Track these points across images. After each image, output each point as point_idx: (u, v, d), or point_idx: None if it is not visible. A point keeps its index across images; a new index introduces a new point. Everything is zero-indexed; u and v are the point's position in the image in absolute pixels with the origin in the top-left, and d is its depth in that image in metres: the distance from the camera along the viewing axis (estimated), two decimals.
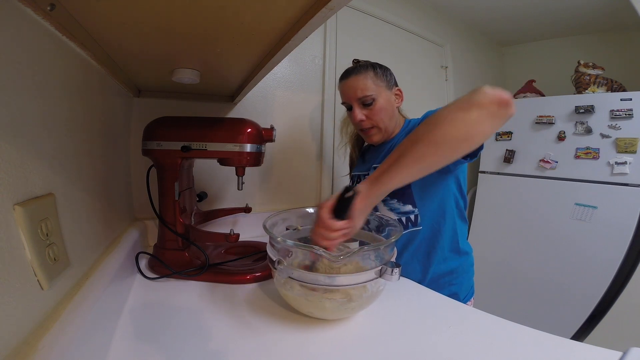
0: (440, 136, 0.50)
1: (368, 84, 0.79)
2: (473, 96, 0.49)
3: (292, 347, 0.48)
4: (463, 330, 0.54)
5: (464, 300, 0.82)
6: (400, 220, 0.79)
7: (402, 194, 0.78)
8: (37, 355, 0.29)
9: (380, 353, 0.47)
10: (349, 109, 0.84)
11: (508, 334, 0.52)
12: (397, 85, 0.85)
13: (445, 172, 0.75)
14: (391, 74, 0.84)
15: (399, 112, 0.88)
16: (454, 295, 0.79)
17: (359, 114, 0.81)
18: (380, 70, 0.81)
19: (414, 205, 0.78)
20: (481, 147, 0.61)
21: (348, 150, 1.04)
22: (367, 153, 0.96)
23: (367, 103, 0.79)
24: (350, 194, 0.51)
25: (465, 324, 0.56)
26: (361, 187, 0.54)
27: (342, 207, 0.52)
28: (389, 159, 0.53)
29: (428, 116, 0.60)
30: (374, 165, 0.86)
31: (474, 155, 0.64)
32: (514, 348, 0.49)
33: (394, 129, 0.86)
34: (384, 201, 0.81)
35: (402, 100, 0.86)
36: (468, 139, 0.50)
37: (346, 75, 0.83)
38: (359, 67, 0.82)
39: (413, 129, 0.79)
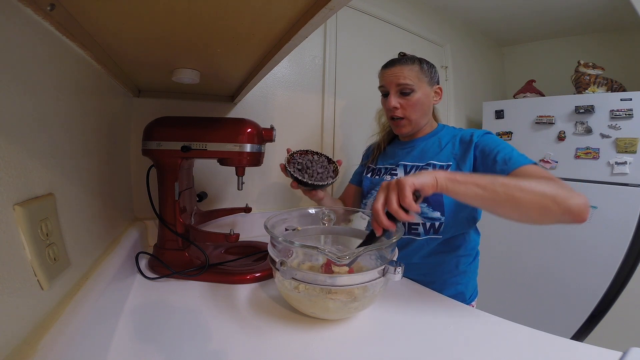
0: (524, 204, 0.54)
1: (411, 75, 0.80)
2: (573, 198, 0.54)
3: (294, 346, 0.48)
4: (463, 330, 0.54)
5: (469, 300, 0.83)
6: (423, 224, 0.78)
7: (435, 201, 0.77)
8: (37, 355, 0.29)
9: (381, 352, 0.47)
10: (385, 95, 0.84)
11: (508, 334, 0.52)
12: (439, 84, 0.85)
13: None
14: (436, 71, 0.85)
15: (434, 110, 0.89)
16: (460, 295, 0.80)
17: (394, 100, 0.81)
18: (426, 66, 0.82)
19: (443, 214, 0.76)
20: None
21: (372, 140, 1.03)
22: (393, 147, 0.94)
23: (405, 92, 0.80)
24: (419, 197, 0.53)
25: (465, 324, 0.56)
26: (439, 176, 0.55)
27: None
28: (479, 177, 0.56)
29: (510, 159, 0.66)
30: (402, 162, 0.86)
31: None
32: (514, 348, 0.49)
33: (425, 127, 0.86)
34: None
35: (440, 98, 0.86)
36: (538, 221, 0.57)
37: (391, 63, 0.83)
38: (405, 58, 0.82)
39: (447, 136, 0.83)
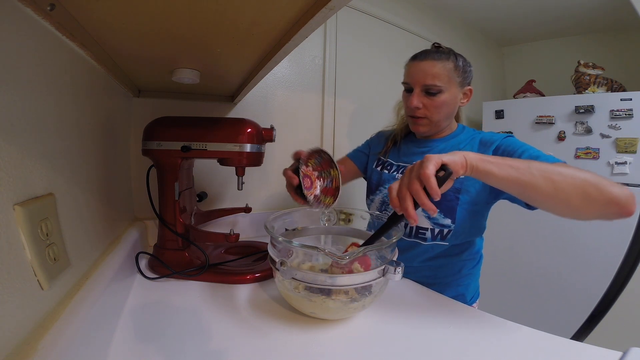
0: (564, 189, 0.50)
1: (442, 74, 0.71)
2: (618, 187, 0.50)
3: (294, 347, 0.48)
4: (463, 330, 0.54)
5: (471, 301, 0.82)
6: (432, 230, 0.75)
7: (447, 208, 0.73)
8: (37, 355, 0.29)
9: (381, 352, 0.47)
10: (409, 90, 0.76)
11: (508, 334, 0.52)
12: (470, 84, 0.77)
13: (497, 196, 0.71)
14: (471, 70, 0.76)
15: (458, 112, 0.82)
16: (460, 296, 0.79)
17: (417, 100, 0.73)
18: (463, 63, 0.73)
19: (454, 221, 0.73)
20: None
21: (386, 131, 0.95)
22: (408, 145, 0.87)
23: (431, 92, 0.72)
24: (443, 173, 0.48)
25: (465, 324, 0.56)
26: (469, 155, 0.51)
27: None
28: (512, 160, 0.52)
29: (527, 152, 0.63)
30: (406, 161, 0.82)
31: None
32: (514, 348, 0.49)
33: (445, 129, 0.80)
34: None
35: (468, 100, 0.78)
36: (580, 209, 0.51)
37: (423, 55, 0.74)
38: (440, 52, 0.73)
39: (467, 139, 0.77)
